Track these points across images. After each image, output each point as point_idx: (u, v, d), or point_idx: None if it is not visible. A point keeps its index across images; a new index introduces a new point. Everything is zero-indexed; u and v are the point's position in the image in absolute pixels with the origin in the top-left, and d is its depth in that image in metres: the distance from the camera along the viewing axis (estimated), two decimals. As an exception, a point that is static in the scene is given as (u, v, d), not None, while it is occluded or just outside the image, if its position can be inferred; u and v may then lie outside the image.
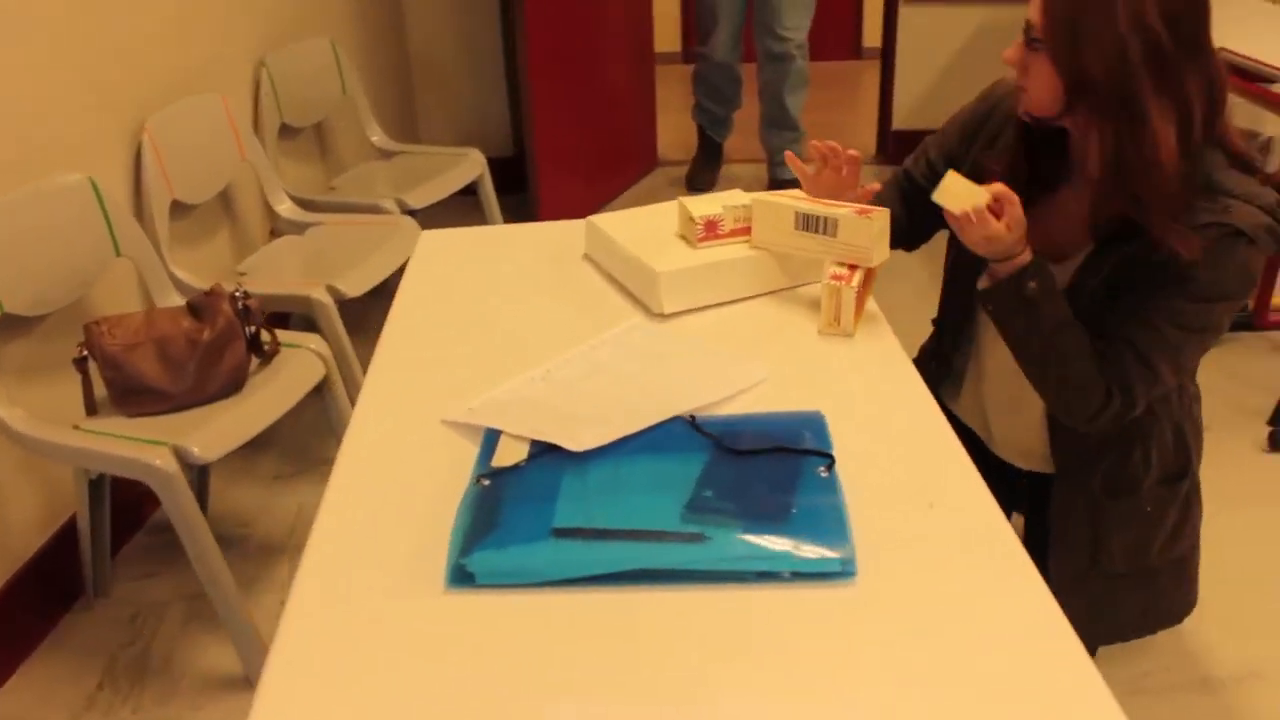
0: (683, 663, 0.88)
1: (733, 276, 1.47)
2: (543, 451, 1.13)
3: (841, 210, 1.39)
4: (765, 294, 1.49)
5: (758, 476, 1.09)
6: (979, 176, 1.33)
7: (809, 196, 1.48)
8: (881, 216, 1.38)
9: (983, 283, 1.38)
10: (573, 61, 3.82)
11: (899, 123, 4.53)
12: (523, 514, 1.04)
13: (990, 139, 1.52)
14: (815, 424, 1.18)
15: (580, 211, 1.76)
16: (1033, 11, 1.30)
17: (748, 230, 1.49)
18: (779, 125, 4.12)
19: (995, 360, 1.53)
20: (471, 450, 1.15)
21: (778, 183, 4.11)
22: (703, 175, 4.36)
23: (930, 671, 0.87)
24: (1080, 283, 1.38)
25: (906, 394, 1.28)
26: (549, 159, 3.77)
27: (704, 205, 1.49)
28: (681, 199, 1.52)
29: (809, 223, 1.41)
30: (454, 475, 1.11)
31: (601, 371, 1.29)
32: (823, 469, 1.10)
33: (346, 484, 1.13)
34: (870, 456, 1.14)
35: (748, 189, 1.57)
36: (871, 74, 4.93)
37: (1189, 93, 1.25)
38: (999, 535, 1.03)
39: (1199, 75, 1.26)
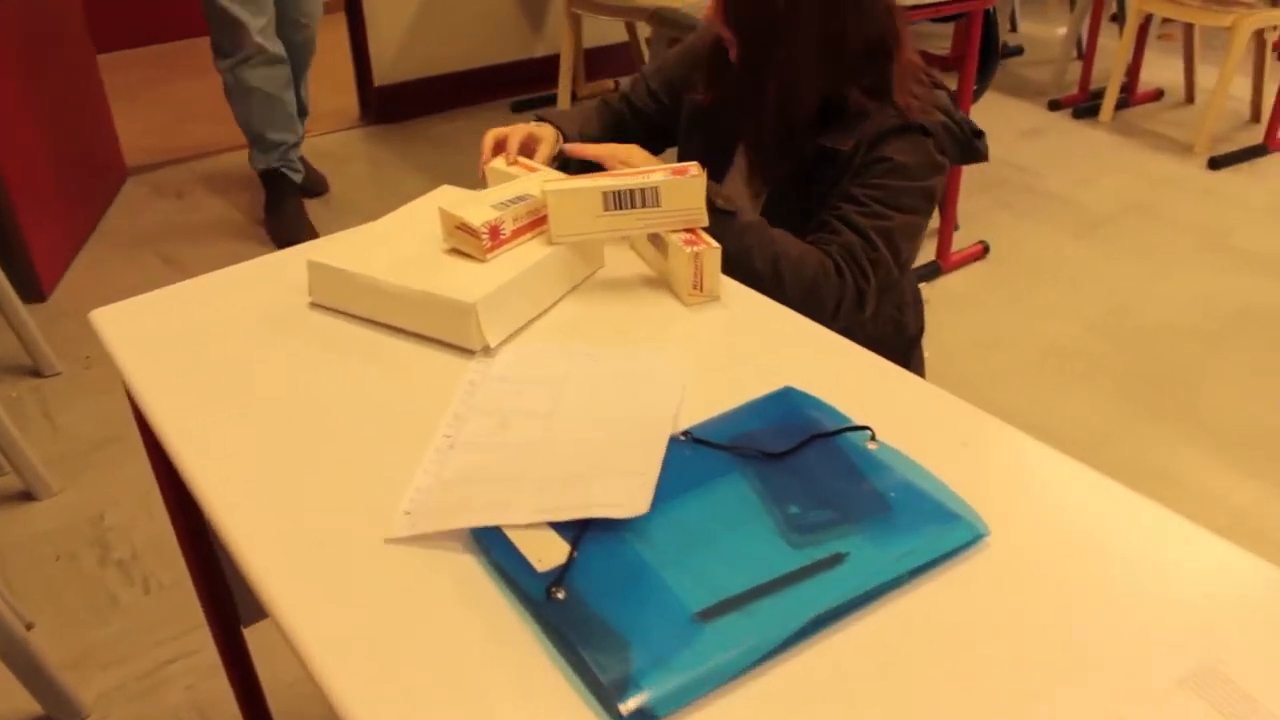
0: (909, 691, 0.78)
1: (542, 282, 1.28)
2: (577, 533, 0.92)
3: (657, 176, 1.28)
4: (570, 291, 1.33)
5: (817, 474, 0.98)
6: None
7: (590, 173, 1.35)
8: (699, 172, 1.28)
9: None
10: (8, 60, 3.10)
11: (381, 78, 4.32)
12: (644, 613, 0.84)
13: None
14: (805, 400, 1.09)
15: (65, 254, 1.40)
16: None
17: (533, 226, 1.31)
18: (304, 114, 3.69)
19: None
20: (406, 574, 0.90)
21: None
22: (293, 226, 3.43)
23: (1102, 601, 0.85)
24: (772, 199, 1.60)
25: (814, 337, 1.23)
26: (25, 192, 3.06)
27: (473, 210, 1.26)
28: (441, 207, 1.28)
29: (621, 200, 1.28)
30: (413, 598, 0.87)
31: (530, 418, 1.08)
32: (869, 442, 1.02)
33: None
34: (854, 413, 1.07)
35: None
36: (336, 32, 4.62)
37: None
38: (1044, 454, 1.03)
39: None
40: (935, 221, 3.12)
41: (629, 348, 1.20)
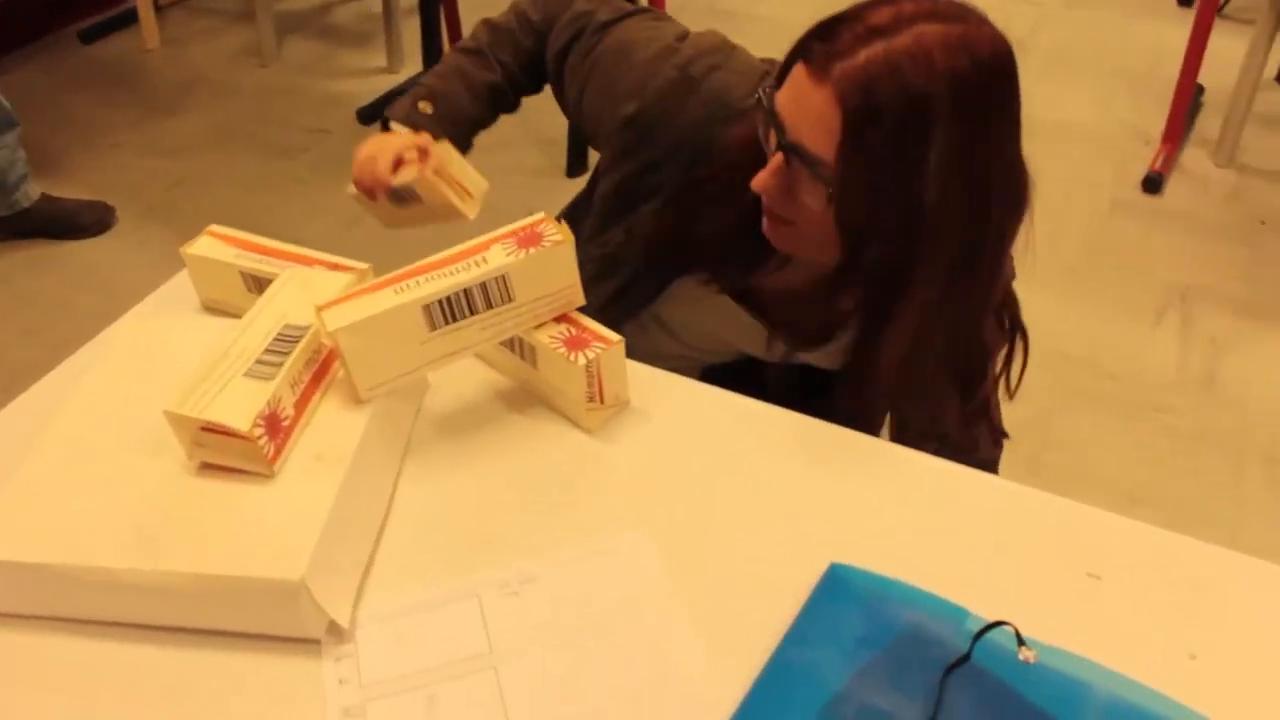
0: None
1: (371, 482, 0.79)
2: None
3: (499, 255, 0.80)
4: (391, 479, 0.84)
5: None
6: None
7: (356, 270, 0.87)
8: (562, 235, 0.82)
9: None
10: None
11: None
12: None
13: (655, 168, 0.99)
14: (871, 586, 0.71)
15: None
16: (820, 138, 0.78)
17: (320, 374, 0.82)
18: None
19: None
20: None
21: None
22: None
23: None
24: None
25: (790, 426, 0.85)
26: None
27: (227, 396, 0.74)
28: (171, 411, 0.74)
29: (454, 308, 0.80)
30: None
31: (467, 676, 0.64)
32: (1021, 651, 0.67)
33: None
34: (942, 581, 0.72)
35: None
36: None
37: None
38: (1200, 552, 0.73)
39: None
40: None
41: (553, 555, 0.76)
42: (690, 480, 0.82)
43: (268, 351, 0.78)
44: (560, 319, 0.85)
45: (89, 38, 3.38)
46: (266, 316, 0.82)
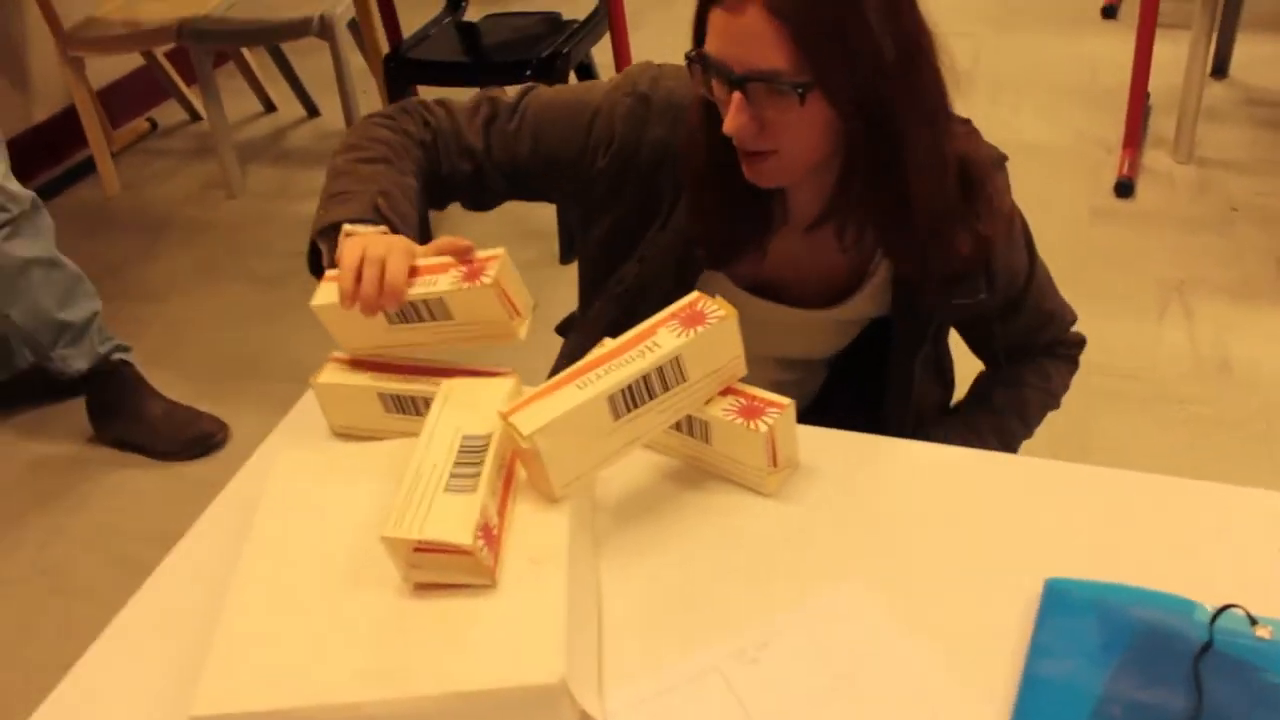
0: None
1: (585, 572, 0.79)
2: None
3: (668, 337, 0.83)
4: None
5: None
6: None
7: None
8: (725, 311, 0.85)
9: None
10: None
11: None
12: None
13: (647, 191, 1.05)
14: (1090, 593, 0.74)
15: None
16: (767, 54, 0.85)
17: (509, 479, 0.83)
18: None
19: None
20: None
21: None
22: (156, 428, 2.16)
23: None
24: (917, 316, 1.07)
25: (962, 461, 0.88)
26: None
27: (438, 513, 0.74)
28: (389, 537, 0.74)
29: (634, 396, 0.82)
30: None
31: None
32: (1257, 630, 0.70)
33: None
34: (1159, 578, 0.75)
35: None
36: None
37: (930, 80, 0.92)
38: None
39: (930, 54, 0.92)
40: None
41: (778, 619, 0.77)
42: (880, 526, 0.84)
43: (459, 464, 0.79)
44: (725, 391, 0.87)
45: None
46: (443, 431, 0.83)
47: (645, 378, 0.81)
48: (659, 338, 0.82)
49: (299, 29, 2.81)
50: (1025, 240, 1.08)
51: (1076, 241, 2.38)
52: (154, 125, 3.58)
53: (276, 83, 3.44)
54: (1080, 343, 1.20)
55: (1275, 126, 2.75)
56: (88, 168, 3.30)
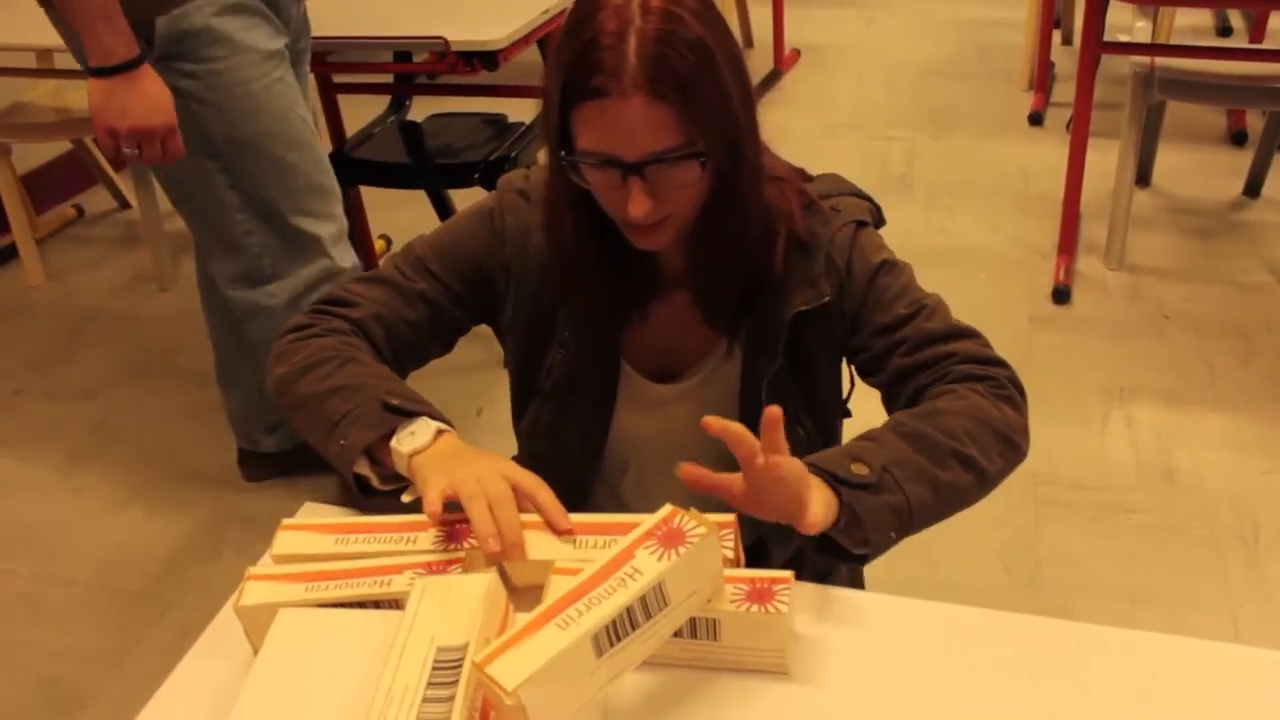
0: None
1: None
2: None
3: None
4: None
5: None
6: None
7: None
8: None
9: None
10: None
11: None
12: None
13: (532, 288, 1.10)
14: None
15: None
16: (660, 136, 0.90)
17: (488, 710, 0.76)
18: None
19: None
20: None
21: None
22: None
23: None
24: (755, 372, 1.07)
25: (962, 621, 0.86)
26: None
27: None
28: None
29: (610, 638, 0.75)
30: None
31: None
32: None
33: None
34: None
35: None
36: None
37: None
38: None
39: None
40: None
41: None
42: (907, 688, 0.81)
43: (432, 686, 0.73)
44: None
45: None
46: (416, 643, 0.76)
47: (629, 610, 0.75)
48: (638, 562, 0.77)
49: (239, 122, 2.76)
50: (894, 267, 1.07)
51: (1018, 349, 2.42)
52: (80, 212, 3.48)
53: (211, 171, 3.38)
54: (999, 363, 1.03)
55: (1199, 234, 2.85)
56: (9, 254, 3.19)
